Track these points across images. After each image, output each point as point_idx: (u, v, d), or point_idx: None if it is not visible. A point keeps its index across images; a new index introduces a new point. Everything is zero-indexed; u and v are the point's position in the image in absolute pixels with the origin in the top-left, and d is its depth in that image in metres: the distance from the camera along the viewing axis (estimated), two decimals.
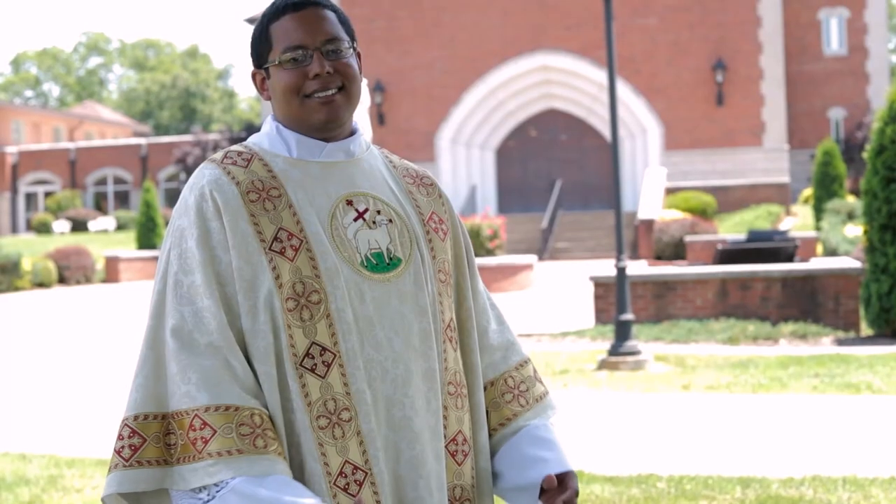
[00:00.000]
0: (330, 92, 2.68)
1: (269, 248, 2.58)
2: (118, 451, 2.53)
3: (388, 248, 2.68)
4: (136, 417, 2.53)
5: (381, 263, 2.66)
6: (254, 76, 2.81)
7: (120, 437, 2.54)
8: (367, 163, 2.80)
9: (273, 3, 2.74)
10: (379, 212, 2.71)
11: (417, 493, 2.60)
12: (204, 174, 2.67)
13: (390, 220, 2.71)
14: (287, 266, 2.57)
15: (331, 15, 2.73)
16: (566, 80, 44.25)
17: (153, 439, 2.52)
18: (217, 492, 2.47)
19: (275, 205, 2.63)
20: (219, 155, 2.73)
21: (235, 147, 2.76)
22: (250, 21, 50.25)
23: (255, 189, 2.64)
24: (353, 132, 2.79)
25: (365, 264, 2.64)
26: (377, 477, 2.56)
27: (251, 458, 2.48)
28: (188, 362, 2.51)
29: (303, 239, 2.60)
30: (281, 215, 2.62)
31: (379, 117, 43.67)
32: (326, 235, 2.63)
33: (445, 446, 2.67)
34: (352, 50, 2.74)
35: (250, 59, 2.81)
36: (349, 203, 2.69)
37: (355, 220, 2.68)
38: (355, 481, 2.54)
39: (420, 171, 2.91)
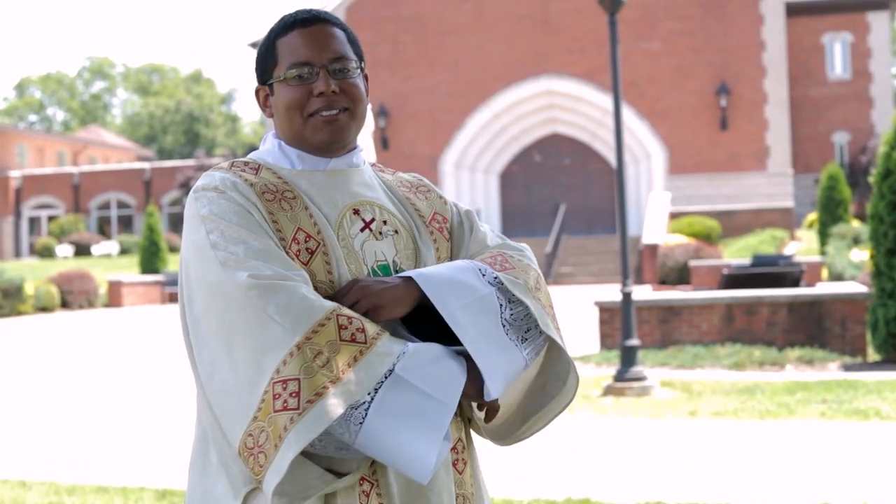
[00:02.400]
0: (334, 111, 2.64)
1: (287, 249, 2.53)
2: (283, 409, 2.34)
3: (394, 261, 2.64)
4: (277, 370, 2.36)
5: (388, 276, 2.61)
6: (257, 93, 2.77)
7: (276, 397, 2.34)
8: (367, 174, 2.76)
9: (281, 19, 2.71)
10: (385, 222, 2.67)
11: None
12: (215, 176, 2.61)
13: (396, 231, 2.67)
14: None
15: (339, 33, 2.69)
16: (570, 105, 44.27)
17: (305, 372, 2.35)
18: (389, 370, 2.40)
19: (291, 206, 2.57)
20: (224, 164, 2.67)
21: (240, 159, 2.70)
22: (254, 46, 50.30)
23: (270, 191, 2.58)
24: (353, 147, 2.75)
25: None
26: (384, 489, 2.51)
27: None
28: (290, 286, 2.42)
29: (320, 242, 2.55)
30: (299, 216, 2.56)
31: (382, 141, 43.70)
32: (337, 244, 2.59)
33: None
34: (359, 70, 2.70)
35: (255, 75, 2.77)
36: (356, 212, 2.65)
37: (362, 230, 2.63)
38: (363, 492, 2.49)
39: (415, 180, 2.87)
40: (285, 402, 2.33)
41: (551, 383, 2.73)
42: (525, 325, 2.62)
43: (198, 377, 2.54)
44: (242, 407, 2.39)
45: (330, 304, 2.42)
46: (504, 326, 2.56)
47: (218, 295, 2.44)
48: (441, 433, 2.39)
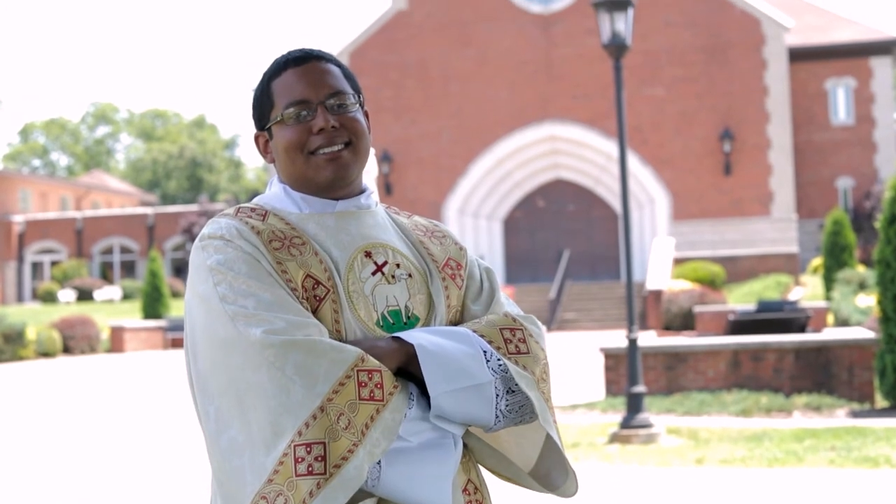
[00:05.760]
0: (336, 148, 2.55)
1: (298, 297, 2.43)
2: (308, 474, 2.25)
3: (406, 306, 2.54)
4: (299, 433, 2.27)
5: (399, 322, 2.52)
6: (256, 139, 2.69)
7: (299, 461, 2.26)
8: (380, 216, 2.67)
9: (274, 61, 2.64)
10: (398, 265, 2.57)
11: None
12: (220, 223, 2.51)
13: (410, 275, 2.57)
14: None
15: (334, 69, 2.61)
16: (574, 150, 44.30)
17: (330, 435, 2.27)
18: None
19: (301, 251, 2.48)
20: (230, 210, 2.58)
21: (246, 204, 2.61)
22: None
23: (277, 238, 2.49)
24: (363, 190, 2.66)
25: (381, 324, 2.50)
26: None
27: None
28: (307, 342, 2.32)
29: (330, 288, 2.46)
30: (308, 261, 2.47)
31: (386, 187, 43.73)
32: (344, 289, 2.49)
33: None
34: (358, 105, 2.61)
35: (252, 122, 2.69)
36: (368, 255, 2.55)
37: (373, 273, 2.53)
38: None
39: (430, 225, 2.78)
40: (310, 466, 2.26)
41: (556, 472, 2.70)
42: (518, 416, 2.53)
43: (205, 429, 2.45)
44: (256, 468, 2.29)
45: (351, 357, 2.33)
46: (497, 418, 2.48)
47: (229, 352, 2.35)
48: (448, 474, 2.40)
